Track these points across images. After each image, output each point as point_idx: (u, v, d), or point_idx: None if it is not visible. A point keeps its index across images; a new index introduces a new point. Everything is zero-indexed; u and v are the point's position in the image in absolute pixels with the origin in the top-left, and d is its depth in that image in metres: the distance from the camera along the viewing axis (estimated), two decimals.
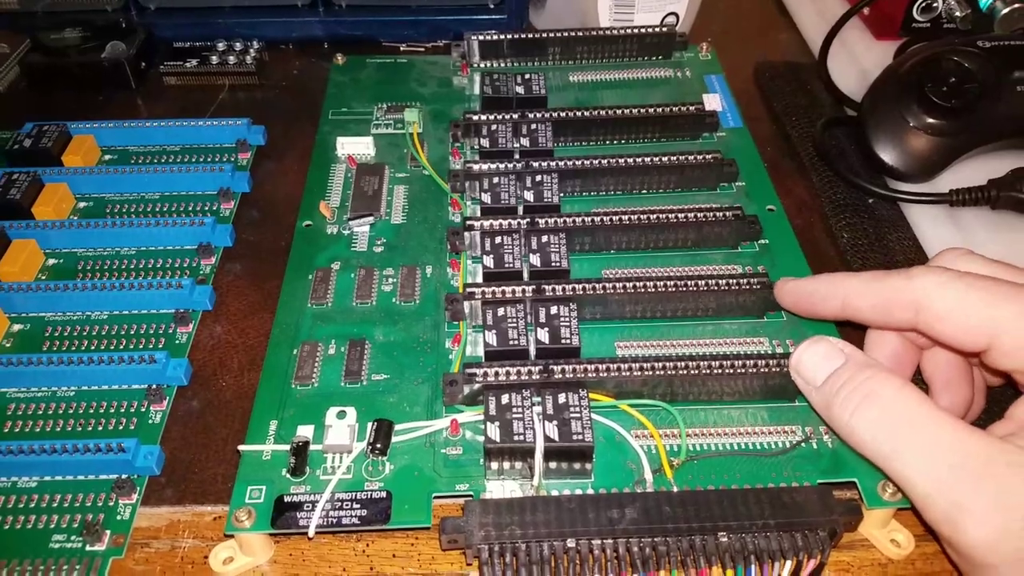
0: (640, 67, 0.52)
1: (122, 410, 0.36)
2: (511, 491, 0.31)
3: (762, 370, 0.32)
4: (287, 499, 0.31)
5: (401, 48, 0.58)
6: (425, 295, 0.39)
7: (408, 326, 0.38)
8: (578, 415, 0.31)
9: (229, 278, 0.43)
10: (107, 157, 0.49)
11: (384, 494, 0.31)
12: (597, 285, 0.36)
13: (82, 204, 0.46)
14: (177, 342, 0.39)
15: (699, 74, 0.51)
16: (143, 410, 0.36)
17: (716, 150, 0.43)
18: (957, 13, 0.52)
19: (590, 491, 0.30)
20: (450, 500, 0.32)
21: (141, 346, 0.39)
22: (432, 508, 0.31)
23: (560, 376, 0.32)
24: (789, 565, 0.28)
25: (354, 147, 0.47)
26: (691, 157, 0.42)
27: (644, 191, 0.43)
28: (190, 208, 0.45)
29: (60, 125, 0.49)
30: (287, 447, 0.32)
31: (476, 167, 0.42)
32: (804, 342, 0.32)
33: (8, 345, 0.39)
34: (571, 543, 0.28)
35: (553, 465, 0.31)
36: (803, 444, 0.32)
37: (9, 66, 0.57)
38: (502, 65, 0.53)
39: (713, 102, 0.48)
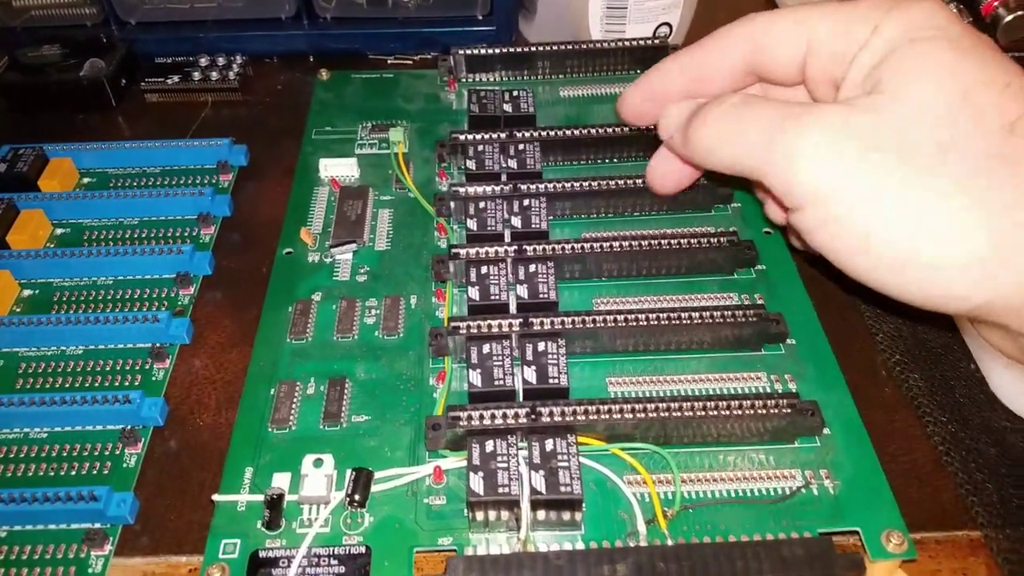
0: (632, 81, 0.50)
1: (95, 453, 0.35)
2: (497, 544, 0.30)
3: (759, 412, 0.31)
4: (262, 554, 0.30)
5: (388, 61, 0.57)
6: (409, 327, 0.37)
7: (391, 361, 0.36)
8: (566, 464, 0.29)
9: (208, 308, 0.41)
10: (85, 180, 0.48)
11: (363, 549, 0.29)
12: (587, 318, 0.34)
13: (59, 231, 0.45)
14: (153, 379, 0.37)
15: None
16: (117, 453, 0.35)
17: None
18: None
19: (580, 544, 0.29)
20: (432, 554, 0.31)
21: (116, 383, 0.37)
22: (413, 566, 0.29)
23: (548, 419, 0.31)
24: None
25: (337, 169, 0.46)
26: None
27: (636, 214, 0.41)
28: (169, 234, 0.44)
29: (36, 148, 0.47)
30: (262, 497, 0.31)
31: (462, 191, 0.41)
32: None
33: None
34: None
35: (541, 516, 0.29)
36: (803, 490, 0.31)
37: None
38: (490, 79, 0.51)
39: None
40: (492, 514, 0.29)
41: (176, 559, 0.32)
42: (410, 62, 0.57)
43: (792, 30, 0.33)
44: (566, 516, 0.29)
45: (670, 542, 0.29)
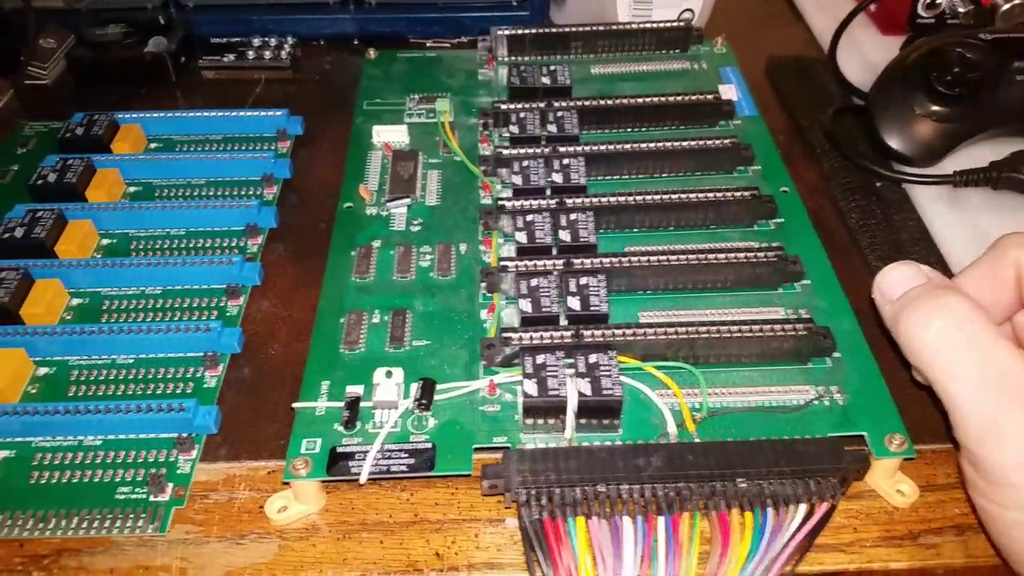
0: (658, 60, 0.55)
1: (179, 376, 0.39)
2: (545, 444, 0.34)
3: (779, 333, 0.35)
4: (340, 450, 0.34)
5: (427, 44, 0.61)
6: (460, 270, 0.42)
7: (446, 298, 0.40)
8: (608, 373, 0.33)
9: (274, 257, 0.45)
10: (153, 145, 0.52)
11: (429, 445, 0.34)
12: (623, 259, 0.38)
13: (132, 188, 0.49)
14: (228, 314, 0.41)
15: (715, 66, 0.54)
16: (199, 376, 0.39)
17: (733, 135, 0.45)
18: (960, 9, 0.54)
19: (618, 443, 0.32)
20: (487, 455, 0.34)
21: (195, 318, 0.41)
22: (472, 460, 0.33)
23: (590, 339, 0.35)
24: (803, 509, 0.31)
25: (389, 135, 0.50)
26: (709, 142, 0.45)
27: (664, 175, 0.45)
28: (234, 193, 0.48)
29: (108, 115, 0.51)
30: (339, 404, 0.35)
31: (506, 152, 0.45)
32: (891, 264, 0.33)
33: (69, 317, 0.42)
34: (601, 488, 0.31)
35: (584, 420, 0.33)
36: (815, 402, 0.35)
37: (56, 61, 0.59)
38: (526, 59, 0.55)
39: (729, 92, 0.50)
40: (541, 419, 0.33)
41: (255, 463, 0.36)
42: (447, 45, 0.61)
43: None
44: (606, 420, 0.33)
45: (697, 440, 0.33)
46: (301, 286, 0.43)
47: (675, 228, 0.42)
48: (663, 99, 0.47)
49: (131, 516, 0.34)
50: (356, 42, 0.62)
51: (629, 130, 0.49)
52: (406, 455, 0.33)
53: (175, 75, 0.59)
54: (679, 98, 0.48)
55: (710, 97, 0.48)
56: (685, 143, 0.44)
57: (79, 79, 0.59)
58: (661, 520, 0.30)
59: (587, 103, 0.48)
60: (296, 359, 0.39)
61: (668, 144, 0.44)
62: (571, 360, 0.34)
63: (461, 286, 0.41)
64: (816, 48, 0.60)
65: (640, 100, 0.48)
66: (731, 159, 0.45)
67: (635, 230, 0.42)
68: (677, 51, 0.55)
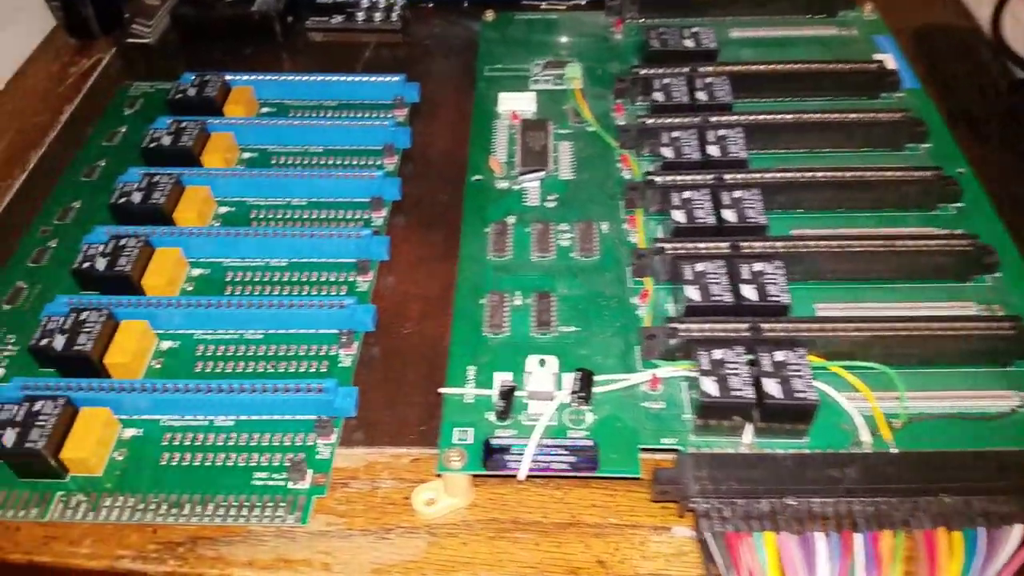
0: (803, 24, 0.51)
1: (311, 353, 0.37)
2: (717, 448, 0.31)
3: (983, 332, 0.31)
4: (493, 442, 0.31)
5: (542, 6, 0.58)
6: (604, 250, 0.39)
7: (590, 280, 0.37)
8: (799, 373, 0.30)
9: (397, 230, 0.43)
10: (264, 109, 0.50)
11: (591, 443, 0.31)
12: (799, 243, 0.35)
13: (246, 155, 0.47)
14: (358, 290, 0.39)
15: (865, 34, 0.50)
16: (332, 354, 0.37)
17: (904, 108, 0.41)
18: None
19: (806, 451, 0.30)
20: (648, 455, 0.32)
21: (322, 293, 0.39)
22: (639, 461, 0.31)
23: (770, 334, 0.32)
24: (1019, 529, 0.28)
25: (516, 103, 0.47)
26: (880, 115, 0.41)
27: (826, 149, 0.42)
28: (352, 163, 0.46)
29: (219, 75, 0.49)
30: (487, 391, 0.33)
31: (651, 122, 0.42)
32: None
33: (190, 289, 0.40)
34: (791, 501, 0.28)
35: (765, 424, 0.30)
36: (1020, 410, 0.31)
37: (160, 18, 0.58)
38: (657, 21, 0.52)
39: (888, 62, 0.46)
40: (718, 417, 0.31)
41: (397, 450, 0.34)
42: (563, 7, 0.57)
43: None
44: (789, 425, 0.30)
45: (895, 450, 0.29)
46: (427, 261, 0.41)
47: (846, 209, 0.39)
48: (821, 66, 0.44)
49: (269, 504, 0.32)
50: (466, 4, 0.59)
51: (781, 99, 0.45)
52: (566, 452, 0.31)
53: (282, 35, 0.56)
54: (838, 66, 0.44)
55: (873, 66, 0.44)
56: (852, 115, 0.41)
57: (182, 37, 0.57)
58: (859, 537, 0.27)
59: (739, 68, 0.44)
60: (429, 339, 0.37)
61: (834, 116, 0.41)
62: (752, 357, 0.31)
63: (606, 268, 0.38)
64: (966, 16, 0.55)
65: (796, 66, 0.44)
66: (902, 135, 0.41)
67: (798, 211, 0.39)
68: (824, 16, 0.51)
